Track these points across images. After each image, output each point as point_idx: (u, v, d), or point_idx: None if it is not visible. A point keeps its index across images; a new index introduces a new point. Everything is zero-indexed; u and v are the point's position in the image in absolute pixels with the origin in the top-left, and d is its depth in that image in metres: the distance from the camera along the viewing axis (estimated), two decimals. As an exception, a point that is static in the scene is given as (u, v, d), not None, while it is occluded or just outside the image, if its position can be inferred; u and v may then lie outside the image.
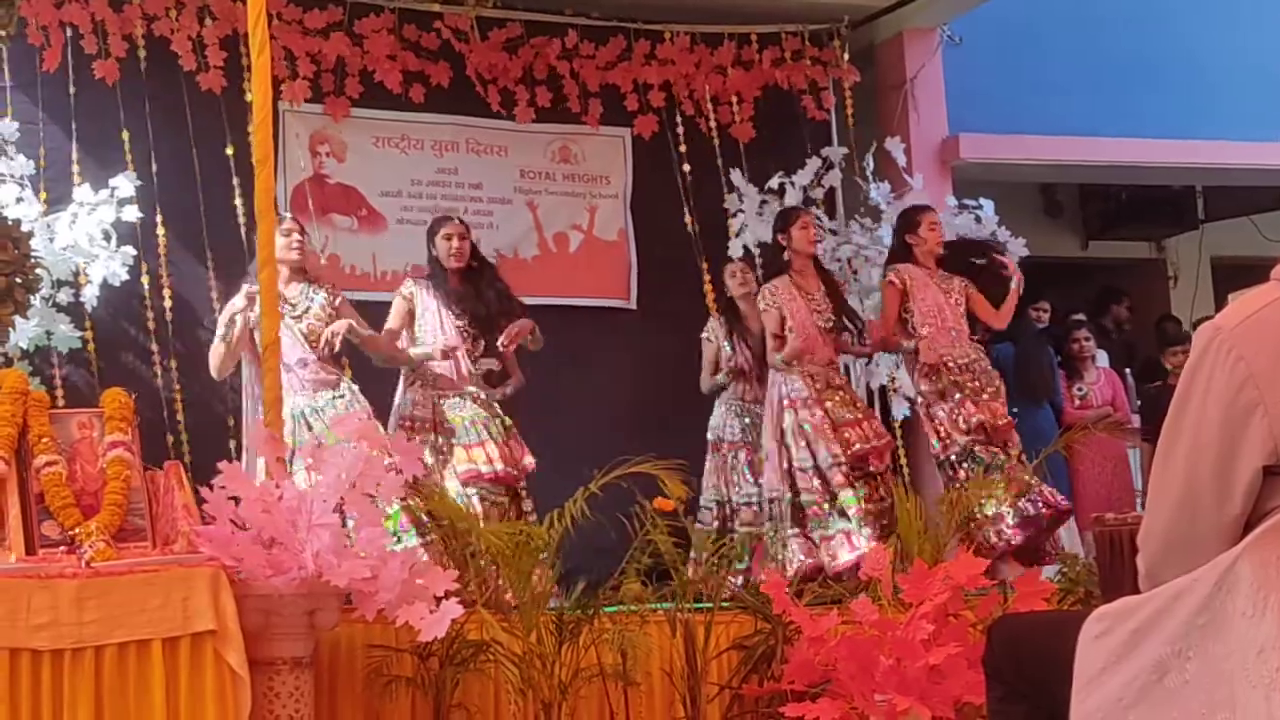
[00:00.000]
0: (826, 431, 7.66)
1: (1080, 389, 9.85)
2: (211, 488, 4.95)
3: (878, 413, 8.69)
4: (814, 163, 9.40)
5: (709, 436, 8.25)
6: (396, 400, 7.42)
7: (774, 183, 9.27)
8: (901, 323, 8.05)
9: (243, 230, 8.11)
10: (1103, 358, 10.23)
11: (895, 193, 9.42)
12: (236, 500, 5.03)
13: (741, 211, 9.26)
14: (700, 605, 6.25)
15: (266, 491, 5.06)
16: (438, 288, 7.44)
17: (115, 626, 4.68)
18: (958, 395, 7.84)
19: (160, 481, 5.43)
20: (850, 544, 7.47)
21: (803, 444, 7.70)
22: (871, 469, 7.73)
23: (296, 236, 7.17)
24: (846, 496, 7.58)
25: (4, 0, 5.83)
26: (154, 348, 8.10)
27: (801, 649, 5.79)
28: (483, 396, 7.40)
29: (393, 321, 7.43)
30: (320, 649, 5.42)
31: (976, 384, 7.89)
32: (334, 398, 7.02)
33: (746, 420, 8.21)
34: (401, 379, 7.44)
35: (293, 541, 4.94)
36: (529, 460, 7.36)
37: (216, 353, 7.10)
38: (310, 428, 6.89)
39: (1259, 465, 2.34)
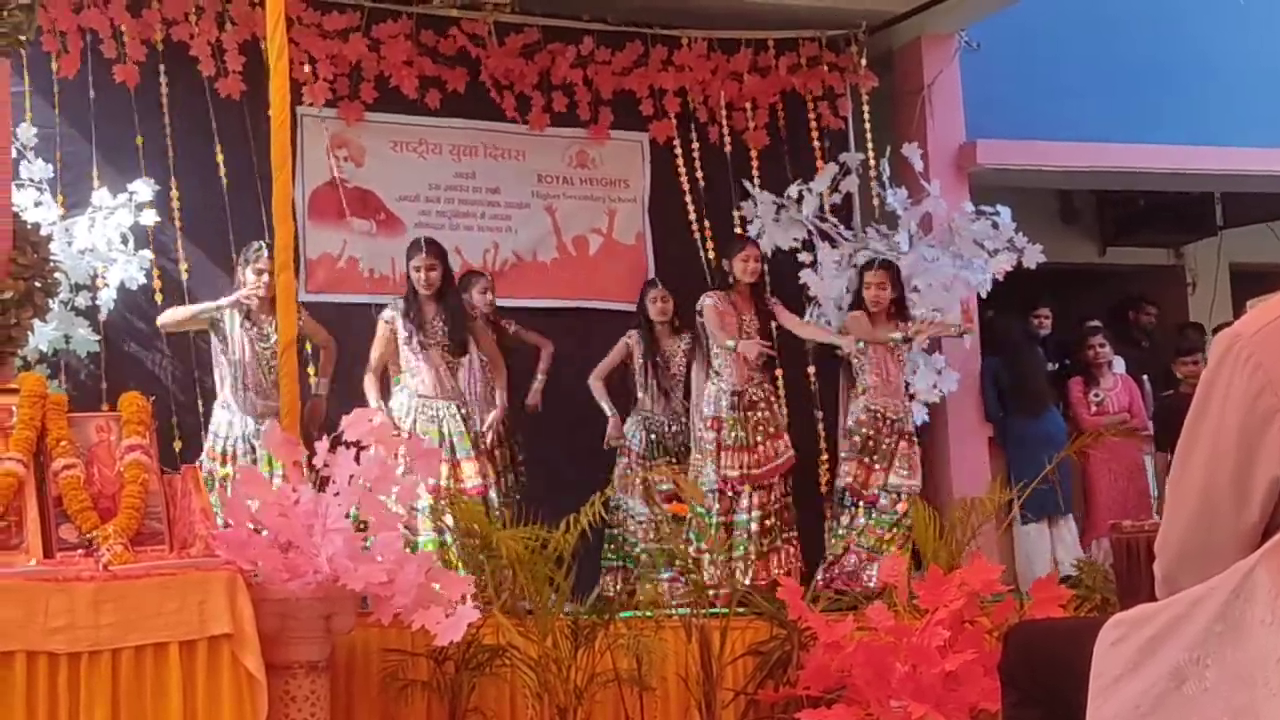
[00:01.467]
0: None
1: (1097, 395, 9.82)
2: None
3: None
4: (831, 169, 9.39)
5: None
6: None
7: (792, 191, 9.27)
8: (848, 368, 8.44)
9: (266, 234, 8.13)
10: (1120, 364, 10.20)
11: (912, 199, 9.41)
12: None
13: (757, 218, 9.26)
14: (716, 611, 6.25)
15: (283, 495, 5.07)
16: (409, 310, 7.66)
17: (132, 629, 4.69)
18: (875, 459, 8.16)
19: (177, 485, 5.45)
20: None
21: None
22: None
23: (267, 277, 7.33)
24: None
25: (22, 6, 5.84)
26: (170, 351, 8.11)
27: (817, 655, 5.79)
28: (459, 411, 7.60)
29: (376, 350, 7.68)
30: (336, 653, 5.44)
31: (891, 449, 8.18)
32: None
33: (652, 436, 8.34)
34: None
35: (309, 545, 4.95)
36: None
37: (180, 312, 7.59)
38: (254, 450, 7.22)
39: (1277, 473, 2.33)
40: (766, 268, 8.89)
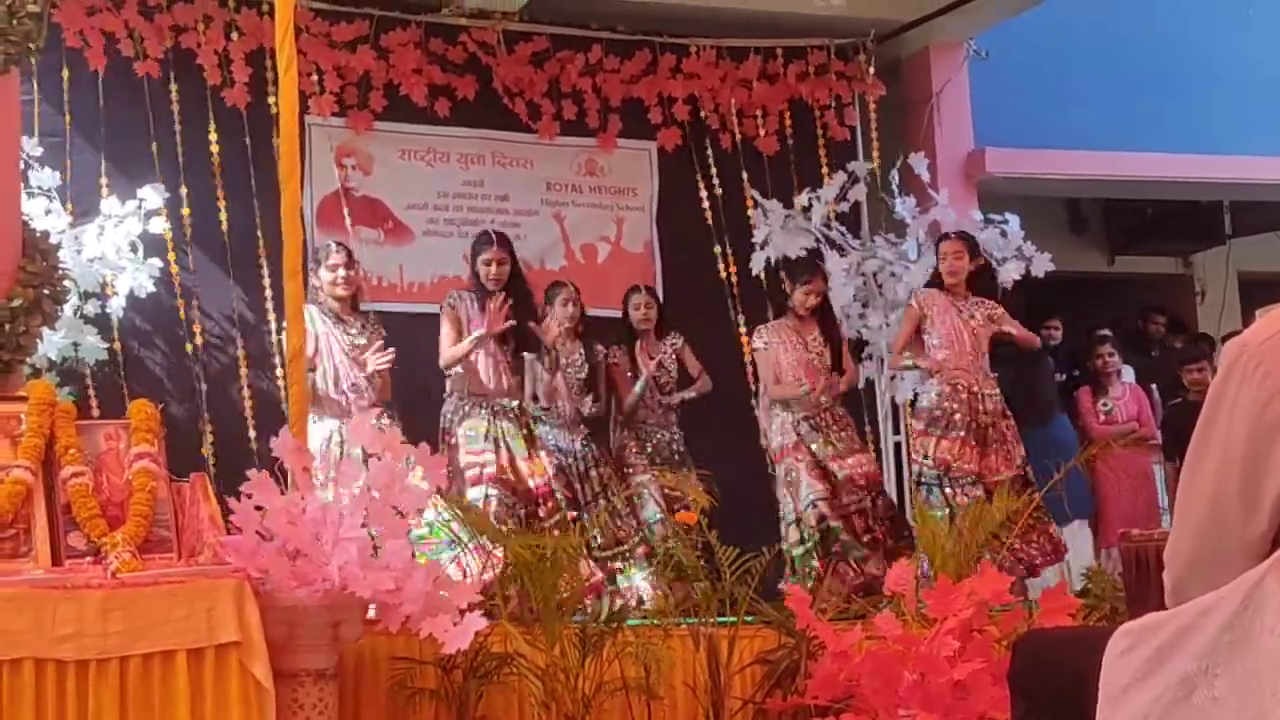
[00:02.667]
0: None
1: (1105, 404, 9.81)
2: (239, 498, 4.96)
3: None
4: (839, 177, 9.40)
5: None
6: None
7: (801, 199, 9.29)
8: (921, 345, 8.19)
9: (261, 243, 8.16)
10: (1129, 373, 10.18)
11: (920, 207, 9.42)
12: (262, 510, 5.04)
13: (766, 226, 9.27)
14: (724, 619, 6.25)
15: (292, 503, 5.07)
16: (476, 302, 7.52)
17: (140, 637, 4.69)
18: (952, 433, 7.96)
19: (186, 493, 5.45)
20: None
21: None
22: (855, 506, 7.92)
23: (342, 272, 7.27)
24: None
25: (32, 14, 5.85)
26: (179, 359, 8.12)
27: (825, 664, 5.77)
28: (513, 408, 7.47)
29: (449, 330, 7.50)
30: (344, 661, 5.43)
31: (977, 427, 8.02)
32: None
33: (647, 447, 8.25)
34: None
35: (317, 553, 4.95)
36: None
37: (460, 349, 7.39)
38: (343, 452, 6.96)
39: (1287, 481, 2.33)
40: (762, 277, 8.95)
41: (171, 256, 8.16)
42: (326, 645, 5.09)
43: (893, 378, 9.22)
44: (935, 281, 8.37)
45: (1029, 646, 3.10)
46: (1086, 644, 2.66)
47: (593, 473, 7.82)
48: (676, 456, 8.23)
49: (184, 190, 8.23)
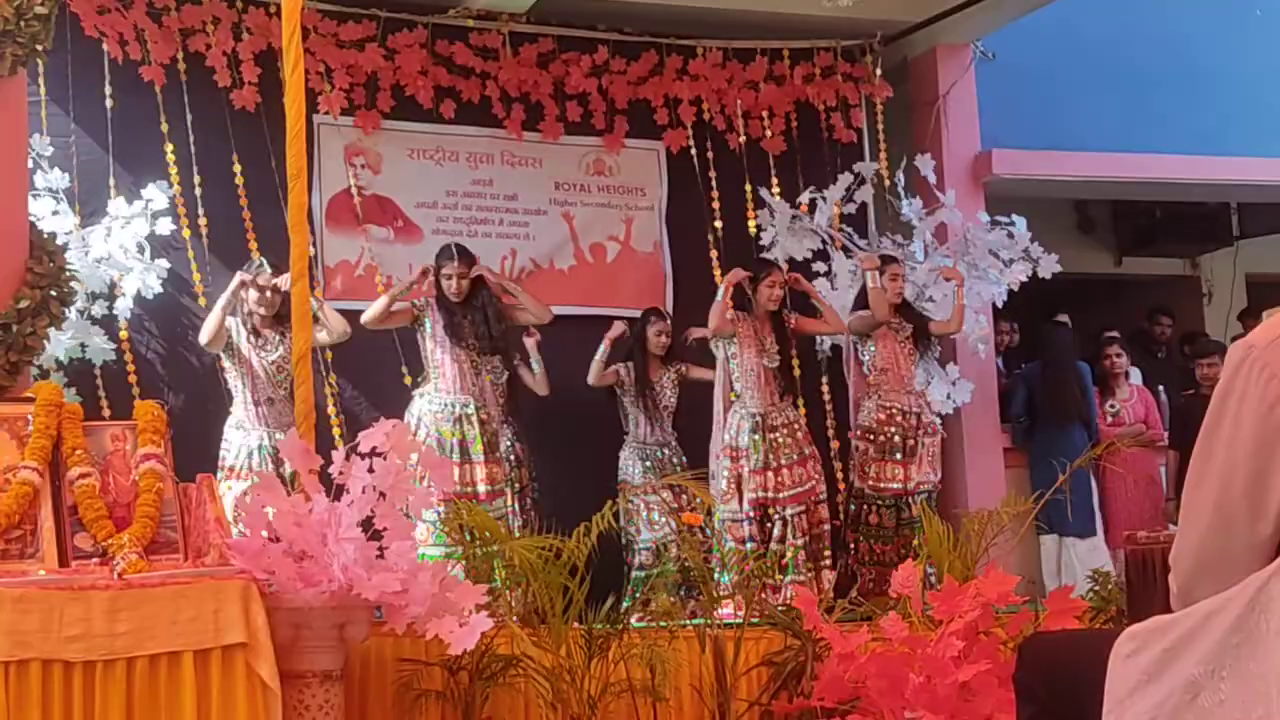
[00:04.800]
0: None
1: (1112, 405, 9.80)
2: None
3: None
4: (845, 178, 9.40)
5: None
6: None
7: (805, 198, 9.29)
8: (857, 361, 8.64)
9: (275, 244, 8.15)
10: (1136, 374, 10.17)
11: (927, 209, 9.41)
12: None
13: (772, 227, 9.27)
14: (730, 621, 6.25)
15: (298, 505, 5.07)
16: (446, 313, 7.76)
17: (147, 638, 4.69)
18: (897, 455, 8.35)
19: (192, 494, 5.45)
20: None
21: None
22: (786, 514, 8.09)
23: (269, 294, 7.48)
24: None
25: (39, 16, 5.86)
26: (191, 359, 8.13)
27: (831, 665, 5.78)
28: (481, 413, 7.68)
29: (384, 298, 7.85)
30: (350, 662, 5.43)
31: (912, 442, 8.38)
32: None
33: (648, 463, 8.36)
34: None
35: (323, 554, 4.95)
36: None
37: (211, 322, 7.52)
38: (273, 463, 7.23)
39: (1293, 483, 2.32)
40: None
41: (191, 254, 8.17)
42: (333, 646, 5.09)
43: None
44: (861, 304, 8.59)
45: (1035, 649, 3.10)
46: (1092, 646, 2.66)
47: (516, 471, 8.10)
48: (678, 470, 8.33)
49: (195, 190, 8.22)
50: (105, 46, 8.18)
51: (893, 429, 8.37)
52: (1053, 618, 5.76)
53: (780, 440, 8.17)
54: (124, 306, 7.87)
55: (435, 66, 8.92)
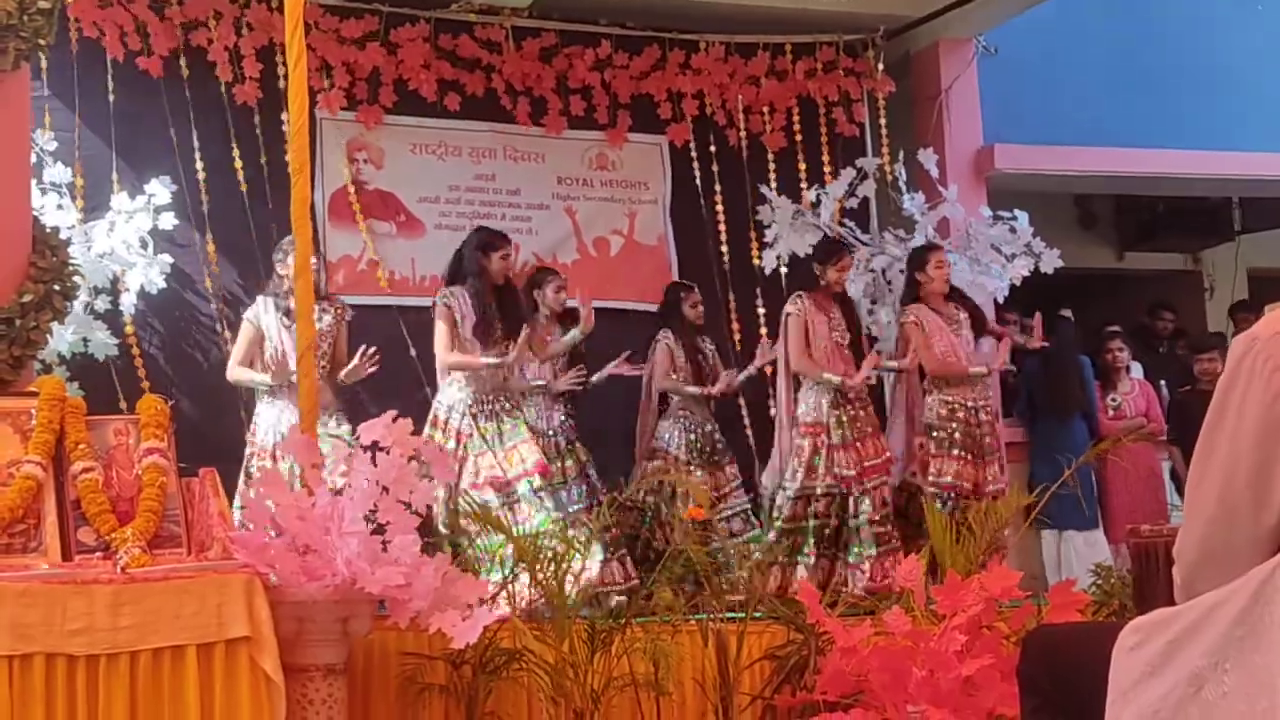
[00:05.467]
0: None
1: (1114, 399, 9.79)
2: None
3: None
4: (848, 173, 9.40)
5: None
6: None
7: (810, 195, 9.30)
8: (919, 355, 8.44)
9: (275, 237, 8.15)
10: (1137, 369, 10.17)
11: (929, 203, 9.41)
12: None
13: (775, 223, 9.27)
14: (733, 615, 6.25)
15: (301, 498, 5.08)
16: (474, 299, 7.53)
17: (150, 632, 4.70)
18: (948, 450, 8.24)
19: (195, 488, 5.46)
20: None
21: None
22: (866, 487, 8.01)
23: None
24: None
25: (42, 10, 5.86)
26: (194, 354, 8.14)
27: (834, 659, 5.78)
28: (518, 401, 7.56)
29: (445, 333, 7.50)
30: (354, 656, 5.44)
31: (971, 440, 8.27)
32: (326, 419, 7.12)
33: (691, 436, 8.33)
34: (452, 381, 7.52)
35: (327, 548, 4.95)
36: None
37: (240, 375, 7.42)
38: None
39: (1296, 474, 2.33)
40: (785, 272, 8.98)
41: (211, 248, 8.19)
42: (336, 640, 5.10)
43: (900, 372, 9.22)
44: (910, 296, 8.55)
45: (1038, 642, 3.10)
46: (1096, 639, 2.66)
47: (572, 450, 7.92)
48: (719, 447, 8.35)
49: (199, 185, 8.22)
50: (104, 43, 8.17)
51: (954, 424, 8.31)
52: (1055, 612, 5.76)
53: (858, 415, 8.11)
54: (128, 302, 7.87)
55: (438, 61, 8.92)
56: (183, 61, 8.35)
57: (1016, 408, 9.79)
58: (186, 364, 8.15)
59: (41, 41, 5.95)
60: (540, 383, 7.86)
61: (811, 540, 7.90)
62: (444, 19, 8.97)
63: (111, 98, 8.17)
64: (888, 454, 8.19)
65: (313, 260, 7.30)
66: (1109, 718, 2.51)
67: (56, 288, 5.96)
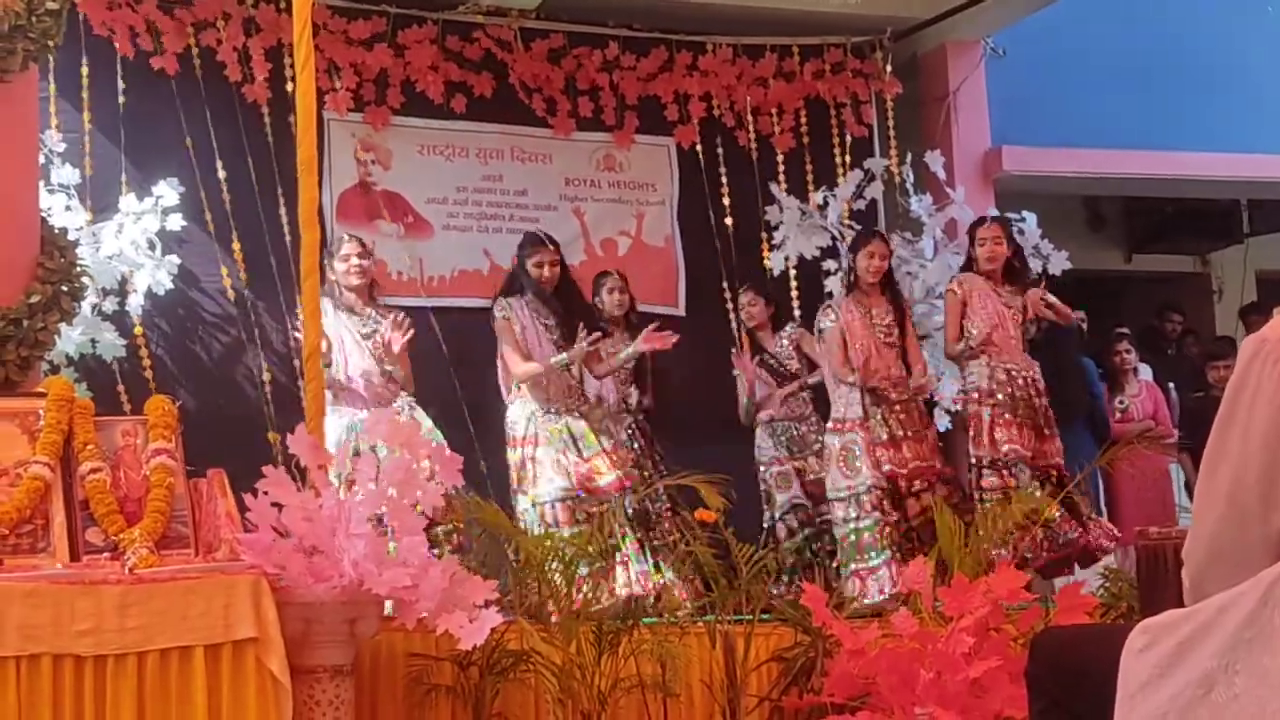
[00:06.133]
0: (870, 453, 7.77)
1: (1121, 401, 9.78)
2: (255, 494, 4.96)
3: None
4: (855, 175, 9.40)
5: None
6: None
7: (817, 198, 9.30)
8: (961, 332, 8.13)
9: (287, 240, 8.16)
10: (1145, 371, 10.16)
11: (937, 205, 9.40)
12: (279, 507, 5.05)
13: (782, 224, 9.28)
14: (740, 617, 6.24)
15: (308, 500, 5.08)
16: (529, 304, 7.53)
17: (158, 633, 4.71)
18: (1006, 415, 7.89)
19: (203, 489, 5.46)
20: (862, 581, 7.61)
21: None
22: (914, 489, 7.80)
23: (355, 261, 7.36)
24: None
25: (51, 11, 5.87)
26: (202, 354, 8.14)
27: (841, 661, 5.77)
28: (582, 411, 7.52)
29: (510, 345, 7.44)
30: (361, 657, 5.44)
31: (1029, 409, 7.96)
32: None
33: (780, 438, 8.30)
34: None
35: (334, 550, 4.96)
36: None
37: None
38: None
39: (1306, 475, 2.32)
40: (795, 272, 8.97)
41: (236, 246, 8.21)
42: (343, 641, 5.10)
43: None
44: (967, 268, 8.32)
45: (1046, 644, 3.09)
46: (1104, 641, 2.66)
47: (642, 463, 7.83)
48: (816, 445, 8.19)
49: (210, 185, 8.22)
50: (115, 42, 8.18)
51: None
52: (1063, 614, 5.76)
53: (900, 415, 7.91)
54: (136, 303, 7.87)
55: (445, 62, 8.93)
56: (195, 62, 8.35)
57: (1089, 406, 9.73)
58: (194, 365, 8.15)
59: (50, 42, 5.95)
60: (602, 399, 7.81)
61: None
62: (451, 20, 8.97)
63: (120, 99, 8.17)
64: (934, 459, 7.97)
65: (365, 262, 7.34)
66: (1117, 719, 2.51)
67: (64, 289, 5.96)
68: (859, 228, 9.32)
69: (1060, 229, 9.93)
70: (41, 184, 6.83)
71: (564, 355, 7.34)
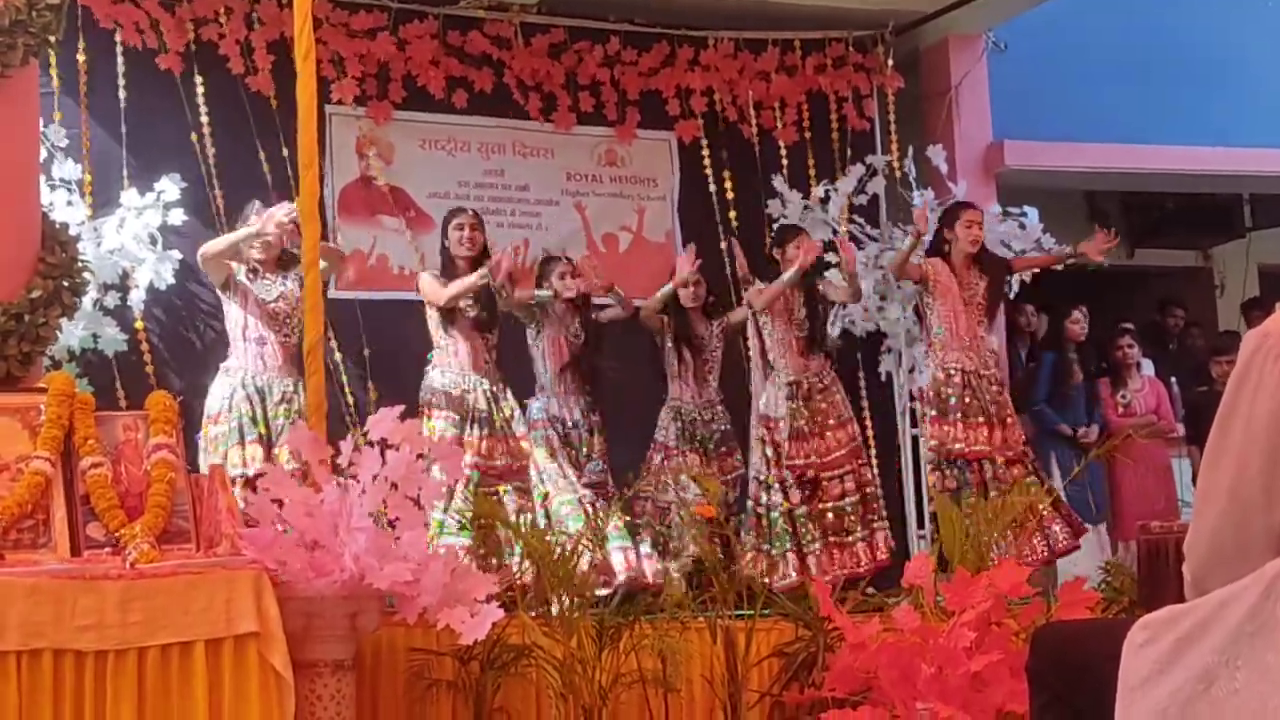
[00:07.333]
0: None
1: (1124, 396, 9.78)
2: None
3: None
4: (857, 169, 9.39)
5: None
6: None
7: (819, 192, 9.30)
8: (920, 317, 8.39)
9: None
10: (1148, 366, 10.16)
11: (939, 200, 9.40)
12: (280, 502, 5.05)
13: (784, 218, 9.27)
14: (741, 612, 6.24)
15: (309, 494, 5.08)
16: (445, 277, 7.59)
17: (159, 628, 4.71)
18: (950, 415, 8.03)
19: (204, 484, 5.46)
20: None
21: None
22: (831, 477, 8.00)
23: (273, 229, 7.23)
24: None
25: (51, 6, 5.86)
26: (204, 349, 8.14)
27: (843, 656, 5.78)
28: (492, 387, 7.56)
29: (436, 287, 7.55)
30: (362, 652, 5.44)
31: (979, 404, 8.05)
32: (285, 382, 7.19)
33: (680, 424, 8.23)
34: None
35: (334, 544, 4.96)
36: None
37: (221, 242, 7.28)
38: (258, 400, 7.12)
39: (1308, 469, 2.32)
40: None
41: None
42: (344, 636, 5.11)
43: (911, 370, 9.19)
44: (938, 252, 8.29)
45: (1047, 638, 3.09)
46: (1105, 636, 2.66)
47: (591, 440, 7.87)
48: (718, 436, 8.21)
49: (213, 179, 8.22)
50: (118, 37, 8.18)
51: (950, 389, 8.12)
52: (1065, 609, 5.76)
53: (820, 404, 8.05)
54: (137, 298, 7.87)
55: (447, 57, 8.93)
56: (194, 58, 8.34)
57: (1036, 393, 9.73)
58: (195, 360, 8.14)
59: (50, 37, 5.94)
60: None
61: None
62: (452, 15, 8.97)
63: (122, 94, 8.17)
64: (855, 442, 8.15)
65: (286, 218, 7.26)
66: (1118, 714, 2.50)
67: (65, 284, 5.96)
68: (861, 222, 9.34)
69: (1062, 223, 9.91)
70: (42, 179, 6.82)
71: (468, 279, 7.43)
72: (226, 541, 5.16)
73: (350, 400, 8.32)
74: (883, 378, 9.38)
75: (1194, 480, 8.86)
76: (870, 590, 6.82)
